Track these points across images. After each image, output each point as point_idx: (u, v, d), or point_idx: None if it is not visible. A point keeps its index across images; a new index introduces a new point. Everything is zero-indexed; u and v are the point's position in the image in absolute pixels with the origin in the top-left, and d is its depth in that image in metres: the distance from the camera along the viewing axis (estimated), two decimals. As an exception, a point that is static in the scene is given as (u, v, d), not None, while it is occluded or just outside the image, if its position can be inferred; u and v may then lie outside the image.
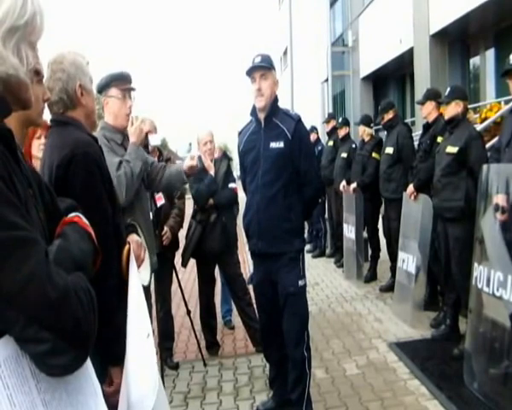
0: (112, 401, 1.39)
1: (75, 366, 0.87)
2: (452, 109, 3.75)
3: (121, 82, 2.54)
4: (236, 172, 16.42)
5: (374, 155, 5.67)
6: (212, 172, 3.87)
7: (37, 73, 1.03)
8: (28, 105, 0.99)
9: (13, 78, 0.90)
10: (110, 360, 1.51)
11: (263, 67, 2.75)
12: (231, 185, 4.05)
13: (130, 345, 1.17)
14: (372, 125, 6.27)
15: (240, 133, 3.01)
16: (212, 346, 4.06)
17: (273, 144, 2.74)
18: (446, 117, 3.85)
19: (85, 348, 0.88)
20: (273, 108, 2.79)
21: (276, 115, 2.79)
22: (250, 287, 3.94)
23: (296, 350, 2.78)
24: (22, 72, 0.92)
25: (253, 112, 2.86)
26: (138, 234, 1.82)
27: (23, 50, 0.92)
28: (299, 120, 2.79)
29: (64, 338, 0.83)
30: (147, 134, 3.18)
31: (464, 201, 3.55)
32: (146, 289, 2.72)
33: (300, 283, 2.78)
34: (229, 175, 4.10)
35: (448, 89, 3.92)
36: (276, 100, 2.83)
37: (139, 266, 1.60)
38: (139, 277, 1.49)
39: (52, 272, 0.83)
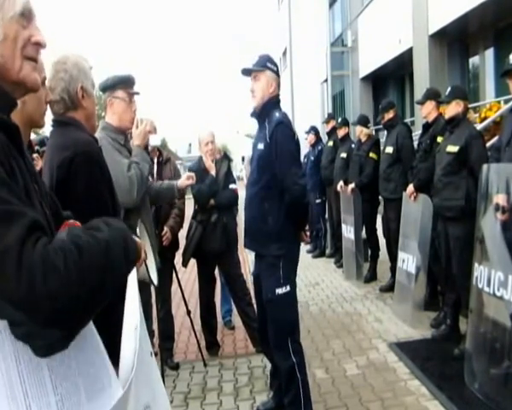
0: None
1: (59, 347, 0.83)
2: (453, 109, 3.75)
3: (128, 85, 2.56)
4: (236, 172, 16.49)
5: (371, 155, 5.66)
6: (213, 172, 3.88)
7: (38, 44, 0.98)
8: (27, 85, 0.96)
9: None
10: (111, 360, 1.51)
11: (252, 70, 2.75)
12: (232, 186, 4.06)
13: (123, 339, 1.18)
14: (369, 125, 6.27)
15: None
16: (213, 346, 4.05)
17: (259, 145, 2.77)
18: (447, 117, 3.85)
19: (68, 326, 0.81)
20: (265, 109, 2.77)
21: (269, 117, 2.76)
22: (250, 282, 3.94)
23: (278, 356, 2.77)
24: None
25: (254, 112, 2.87)
26: (137, 234, 1.83)
27: None
28: (277, 124, 2.67)
29: (37, 320, 0.76)
30: None
31: (465, 200, 3.55)
32: (146, 288, 2.72)
33: (279, 291, 2.69)
34: (229, 176, 4.10)
35: (448, 88, 3.92)
36: (270, 101, 2.77)
37: (140, 266, 1.61)
38: (136, 276, 1.50)
39: (26, 250, 0.75)
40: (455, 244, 3.69)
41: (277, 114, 2.75)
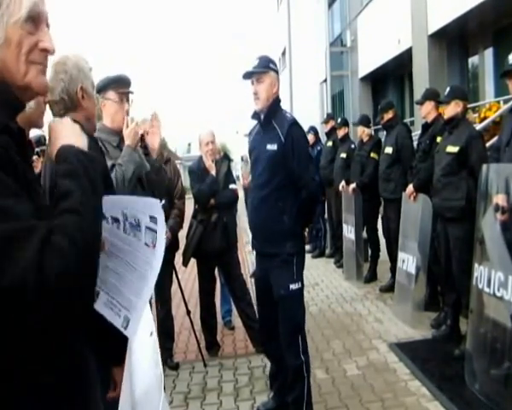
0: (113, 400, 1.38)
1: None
2: (452, 109, 3.75)
3: (119, 85, 2.56)
4: (236, 172, 16.48)
5: (372, 155, 5.66)
6: (213, 172, 3.88)
7: (46, 50, 0.95)
8: (34, 89, 0.95)
9: None
10: (113, 360, 1.50)
11: (255, 73, 2.75)
12: (232, 186, 4.07)
13: (135, 343, 1.17)
14: (370, 125, 6.27)
15: (249, 133, 3.07)
16: (212, 346, 4.05)
17: (268, 146, 2.75)
18: (446, 117, 3.85)
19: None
20: (271, 110, 2.78)
21: (276, 117, 2.77)
22: (250, 283, 3.94)
23: (288, 353, 2.77)
24: None
25: (255, 114, 2.87)
26: None
27: None
28: (292, 123, 2.72)
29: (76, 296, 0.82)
30: (142, 136, 3.16)
31: (465, 200, 3.55)
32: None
33: (292, 286, 2.72)
34: (229, 176, 4.11)
35: (447, 88, 3.92)
36: (274, 102, 2.79)
37: None
38: None
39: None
40: (455, 245, 3.68)
41: (288, 115, 2.80)
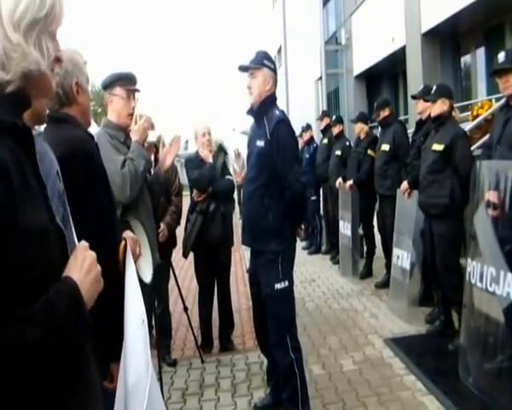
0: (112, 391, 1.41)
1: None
2: (438, 107, 3.78)
3: (126, 82, 2.59)
4: (231, 167, 16.39)
5: (369, 152, 5.71)
6: (210, 160, 3.91)
7: (58, 60, 1.02)
8: (49, 94, 1.02)
9: (34, 72, 0.91)
10: (111, 355, 1.53)
11: (249, 67, 2.79)
12: (228, 177, 4.09)
13: (127, 333, 1.19)
14: (368, 121, 6.32)
15: (251, 128, 3.11)
16: (208, 344, 4.07)
17: (258, 142, 2.78)
18: (432, 115, 3.88)
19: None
20: (263, 106, 2.79)
21: (267, 114, 2.78)
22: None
23: (277, 352, 2.80)
24: (43, 65, 0.92)
25: (250, 110, 2.90)
26: (133, 231, 1.86)
27: (43, 42, 0.92)
28: (278, 121, 2.70)
29: None
30: (157, 147, 3.21)
31: (449, 198, 3.60)
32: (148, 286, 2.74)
33: (278, 286, 2.72)
34: (225, 168, 4.13)
35: (434, 87, 3.97)
36: (267, 99, 2.80)
37: (136, 262, 1.63)
38: (135, 270, 1.52)
39: None
40: (439, 241, 3.72)
41: (277, 112, 2.78)
